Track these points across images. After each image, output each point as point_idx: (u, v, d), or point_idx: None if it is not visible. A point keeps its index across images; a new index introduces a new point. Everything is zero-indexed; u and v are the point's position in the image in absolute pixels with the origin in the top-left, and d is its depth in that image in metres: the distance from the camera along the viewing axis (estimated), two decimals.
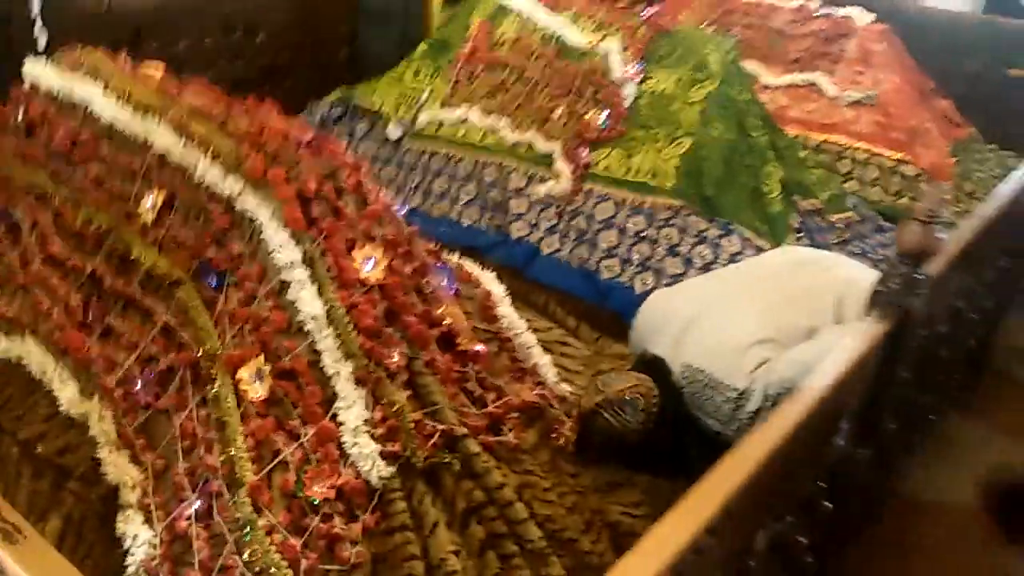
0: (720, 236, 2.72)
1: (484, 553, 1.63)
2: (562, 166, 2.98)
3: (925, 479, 2.46)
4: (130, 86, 2.03)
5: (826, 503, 1.58)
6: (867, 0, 4.44)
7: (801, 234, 2.90)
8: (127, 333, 1.77)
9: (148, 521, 1.54)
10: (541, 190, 2.98)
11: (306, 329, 1.65)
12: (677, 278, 2.69)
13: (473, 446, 1.70)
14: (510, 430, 1.82)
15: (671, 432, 1.95)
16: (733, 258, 2.66)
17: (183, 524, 1.51)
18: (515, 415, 1.85)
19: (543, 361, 2.01)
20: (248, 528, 1.47)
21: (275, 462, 1.53)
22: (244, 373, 1.62)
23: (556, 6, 3.33)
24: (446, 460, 1.66)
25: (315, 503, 1.51)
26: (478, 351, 1.87)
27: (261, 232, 1.71)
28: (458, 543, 1.61)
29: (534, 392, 1.91)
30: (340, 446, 1.57)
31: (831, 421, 1.43)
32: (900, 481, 2.37)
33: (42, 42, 2.91)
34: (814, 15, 4.22)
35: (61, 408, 1.75)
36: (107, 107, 2.00)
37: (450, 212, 3.12)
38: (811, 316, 1.94)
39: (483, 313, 2.01)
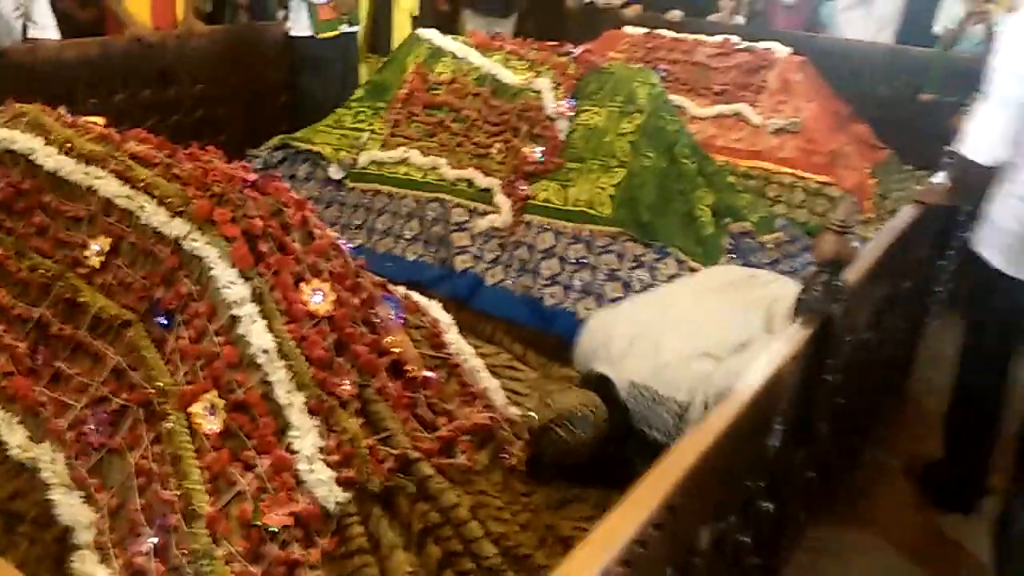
0: (657, 260, 2.82)
1: (441, 572, 1.67)
2: (502, 200, 3.07)
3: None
4: (72, 136, 2.06)
5: (766, 503, 1.66)
6: (784, 34, 4.70)
7: (734, 255, 3.03)
8: (77, 376, 1.78)
9: (104, 560, 1.54)
10: (483, 223, 3.06)
11: (258, 362, 1.69)
12: (617, 302, 2.77)
13: (427, 469, 1.74)
14: (462, 452, 1.87)
15: (620, 446, 2.02)
16: (670, 280, 2.76)
17: (140, 560, 1.52)
18: (466, 438, 1.90)
19: (492, 385, 2.07)
20: (207, 559, 1.49)
21: (232, 493, 1.55)
22: (197, 408, 1.65)
23: (488, 48, 3.45)
24: (401, 484, 1.70)
25: (273, 531, 1.53)
26: (428, 377, 1.93)
27: (210, 270, 1.75)
28: (415, 563, 1.65)
29: (484, 415, 1.97)
30: (296, 474, 1.61)
31: (764, 422, 1.51)
32: (840, 483, 2.48)
33: None
34: (736, 49, 4.43)
35: (10, 453, 1.75)
36: (49, 157, 2.02)
37: (394, 248, 3.17)
38: (745, 329, 2.04)
39: (431, 341, 2.07)
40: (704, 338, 2.05)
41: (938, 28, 4.71)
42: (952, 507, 2.54)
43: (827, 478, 2.24)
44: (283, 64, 4.26)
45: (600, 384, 2.10)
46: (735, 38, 4.48)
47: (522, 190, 3.07)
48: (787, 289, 2.11)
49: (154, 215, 1.84)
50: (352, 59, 4.43)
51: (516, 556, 1.76)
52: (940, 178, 2.56)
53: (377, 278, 2.09)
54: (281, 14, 4.32)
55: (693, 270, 2.80)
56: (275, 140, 3.65)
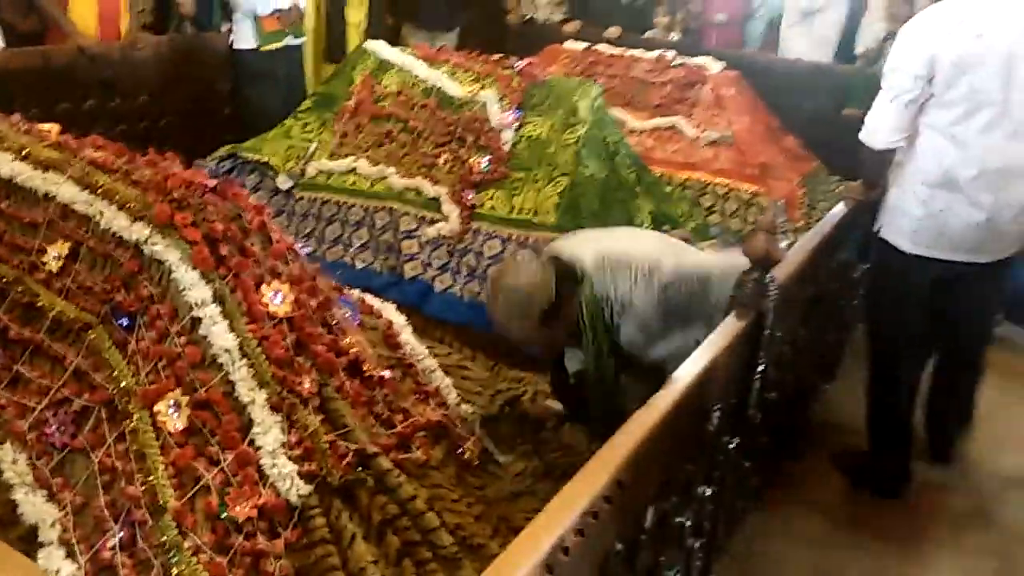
0: None
1: (400, 561, 1.74)
2: (450, 208, 3.16)
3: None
4: (28, 143, 2.08)
5: (704, 487, 1.78)
6: (717, 51, 4.90)
7: None
8: (37, 379, 1.81)
9: (71, 555, 1.58)
10: (431, 231, 3.14)
11: (220, 362, 1.74)
12: None
13: (385, 463, 1.82)
14: (418, 448, 1.95)
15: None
16: None
17: (107, 554, 1.56)
18: (422, 434, 1.98)
19: (445, 384, 2.16)
20: (174, 551, 1.54)
21: (197, 487, 1.61)
22: (161, 406, 1.69)
23: (434, 60, 3.55)
24: (360, 477, 1.77)
25: (238, 523, 1.59)
26: (384, 376, 2.00)
27: (171, 273, 1.79)
28: (376, 553, 1.72)
29: (438, 412, 2.05)
30: (259, 469, 1.66)
31: (702, 408, 1.63)
32: (778, 473, 2.63)
33: None
34: (671, 65, 4.61)
35: None
36: (5, 163, 2.04)
37: (344, 256, 3.24)
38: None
39: (386, 341, 2.14)
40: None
41: (860, 48, 4.98)
42: (882, 494, 2.72)
43: (764, 468, 2.38)
44: (227, 76, 4.28)
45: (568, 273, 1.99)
46: (670, 54, 4.66)
47: (469, 199, 3.17)
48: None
49: (114, 220, 1.87)
50: (297, 71, 4.47)
51: (471, 545, 1.84)
52: None
53: (333, 281, 2.15)
54: (226, 26, 4.34)
55: None
56: (223, 150, 3.67)
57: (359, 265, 3.23)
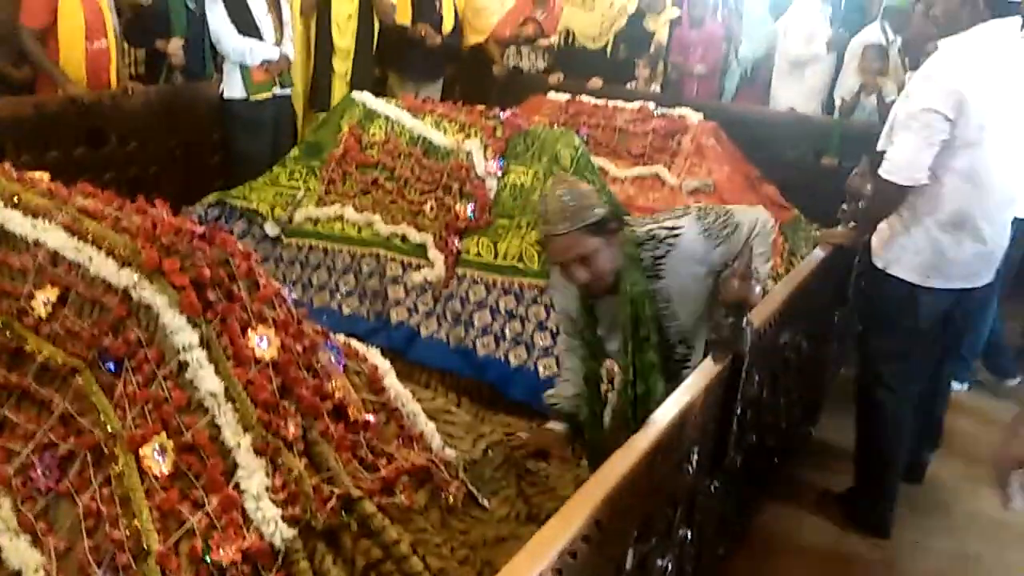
0: None
1: None
2: (435, 254, 3.21)
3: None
4: (19, 190, 2.11)
5: (684, 529, 1.80)
6: (697, 102, 5.02)
7: None
8: (24, 423, 1.82)
9: None
10: (417, 277, 3.19)
11: (206, 405, 1.76)
12: (547, 351, 2.94)
13: (369, 507, 1.83)
14: (402, 492, 1.96)
15: None
16: None
17: None
18: (406, 478, 1.99)
19: (428, 428, 2.17)
20: None
21: (182, 530, 1.61)
22: (147, 450, 1.71)
23: (420, 110, 3.63)
24: (344, 521, 1.78)
25: (222, 566, 1.59)
26: (368, 420, 2.02)
27: (159, 318, 1.82)
28: None
29: (422, 457, 2.06)
30: (244, 512, 1.67)
31: (681, 449, 1.66)
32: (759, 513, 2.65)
33: None
34: (653, 115, 4.72)
35: None
36: None
37: (330, 302, 3.27)
38: None
39: (371, 386, 2.16)
40: None
41: (838, 100, 5.13)
42: (874, 531, 2.79)
43: (746, 510, 2.40)
44: (217, 125, 4.35)
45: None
46: (651, 105, 4.77)
47: (454, 245, 3.22)
48: None
49: (102, 265, 1.90)
50: (285, 120, 4.55)
51: None
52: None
53: (318, 326, 2.18)
54: (216, 76, 4.42)
55: None
56: (211, 197, 3.72)
57: (346, 311, 3.26)
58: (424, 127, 3.54)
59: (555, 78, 5.74)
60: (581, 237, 2.00)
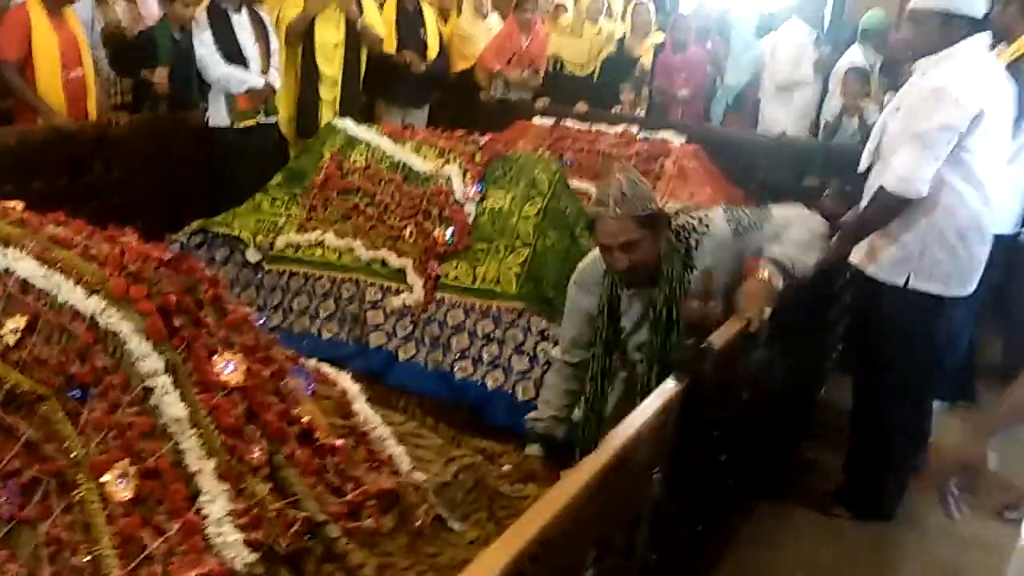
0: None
1: None
2: (414, 279, 3.23)
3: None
4: None
5: (647, 551, 1.81)
6: (681, 124, 5.07)
7: None
8: None
9: None
10: (396, 302, 3.21)
11: (169, 431, 1.77)
12: (525, 374, 2.95)
13: (334, 531, 1.83)
14: (369, 516, 1.96)
15: None
16: None
17: None
18: (373, 502, 1.99)
19: (397, 451, 2.18)
20: None
21: (141, 556, 1.62)
22: (109, 476, 1.71)
23: (400, 137, 3.67)
24: (307, 545, 1.79)
25: None
26: (336, 445, 2.03)
27: (124, 344, 1.84)
28: None
29: (390, 480, 2.07)
30: (205, 537, 1.68)
31: (639, 471, 1.67)
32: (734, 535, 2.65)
33: None
34: (636, 138, 4.77)
35: None
36: None
37: (310, 328, 3.28)
38: None
39: (340, 410, 2.18)
40: None
41: (823, 122, 5.18)
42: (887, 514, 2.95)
43: (719, 533, 2.40)
44: (202, 153, 4.39)
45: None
46: (634, 128, 4.82)
47: (433, 269, 3.24)
48: None
49: (71, 293, 1.92)
50: (272, 148, 4.58)
51: None
52: None
53: (288, 351, 2.20)
54: (202, 104, 4.47)
55: None
56: (194, 225, 3.74)
57: (325, 335, 3.28)
58: (404, 153, 3.58)
59: (542, 103, 5.80)
60: (631, 225, 2.15)
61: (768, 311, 2.10)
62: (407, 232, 3.38)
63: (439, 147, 3.58)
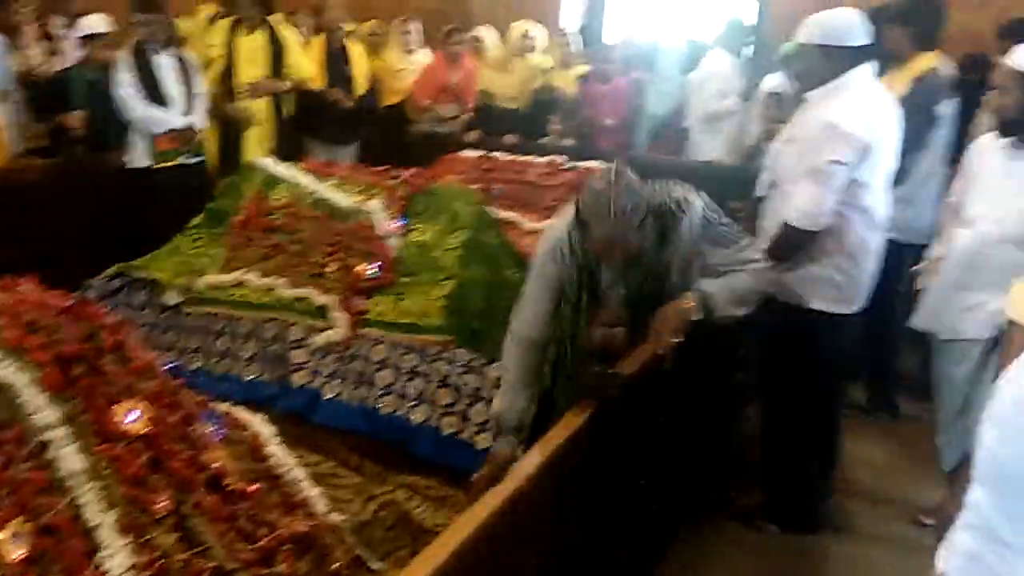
0: (484, 364, 2.99)
1: None
2: (338, 315, 3.20)
3: None
4: None
5: None
6: (608, 152, 5.13)
7: None
8: None
9: None
10: (320, 339, 3.17)
11: (67, 485, 1.71)
12: (450, 407, 2.94)
13: None
14: (282, 561, 1.92)
15: None
16: (496, 383, 2.93)
17: None
18: (287, 547, 1.95)
19: (313, 493, 2.14)
20: None
21: None
22: (2, 535, 1.65)
23: (323, 173, 3.65)
24: None
25: None
26: (247, 490, 1.98)
27: (19, 397, 1.78)
28: None
29: (305, 523, 2.03)
30: None
31: (547, 501, 1.66)
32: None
33: None
34: (562, 168, 4.81)
35: None
36: None
37: (233, 369, 3.23)
38: None
39: (253, 454, 2.13)
40: None
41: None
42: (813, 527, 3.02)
43: (641, 557, 2.40)
44: (122, 196, 4.31)
45: None
46: (561, 158, 4.86)
47: (357, 305, 3.21)
48: None
49: None
50: (195, 189, 4.52)
51: None
52: None
53: (198, 396, 2.15)
54: (120, 146, 4.39)
55: None
56: (112, 269, 3.66)
57: (248, 376, 3.22)
58: (327, 189, 3.56)
59: (472, 136, 5.83)
60: (632, 234, 2.22)
61: (677, 338, 2.12)
62: (330, 269, 3.35)
63: (362, 183, 3.58)
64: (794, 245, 2.78)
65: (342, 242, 3.40)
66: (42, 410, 1.77)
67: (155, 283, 3.52)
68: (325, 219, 3.48)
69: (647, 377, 2.07)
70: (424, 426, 2.90)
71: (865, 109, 2.70)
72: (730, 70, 5.47)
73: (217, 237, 3.62)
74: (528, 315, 2.43)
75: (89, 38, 4.41)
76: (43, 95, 4.43)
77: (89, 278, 3.70)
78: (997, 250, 2.63)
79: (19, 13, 4.57)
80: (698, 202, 2.38)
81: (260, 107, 4.88)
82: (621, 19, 7.29)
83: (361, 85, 5.53)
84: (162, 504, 1.79)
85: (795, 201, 2.72)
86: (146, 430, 1.86)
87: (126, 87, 4.22)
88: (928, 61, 3.52)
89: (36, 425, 1.76)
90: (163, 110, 4.29)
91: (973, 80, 4.32)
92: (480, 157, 5.04)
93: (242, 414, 2.30)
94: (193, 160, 4.45)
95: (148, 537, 1.74)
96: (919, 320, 2.92)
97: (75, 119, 4.32)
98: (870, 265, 2.85)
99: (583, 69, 5.83)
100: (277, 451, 2.18)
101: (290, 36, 5.04)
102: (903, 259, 3.44)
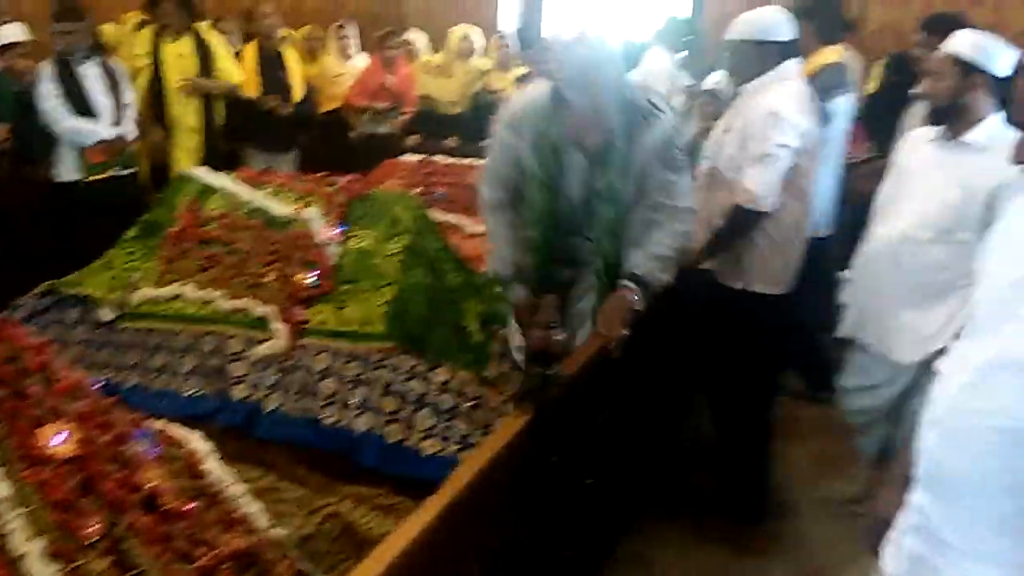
0: (429, 370, 2.97)
1: None
2: (278, 326, 3.14)
3: None
4: None
5: None
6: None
7: (504, 358, 3.23)
8: None
9: None
10: (260, 351, 3.11)
11: None
12: (394, 414, 2.90)
13: None
14: None
15: None
16: (442, 387, 2.92)
17: None
18: (228, 565, 1.91)
19: (254, 509, 2.10)
20: None
21: None
22: None
23: (258, 182, 3.59)
24: None
25: None
26: (184, 508, 1.94)
27: None
28: None
29: (245, 540, 1.99)
30: None
31: (488, 508, 1.65)
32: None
33: None
34: None
35: None
36: None
37: (171, 384, 3.15)
38: None
39: (189, 471, 2.09)
40: None
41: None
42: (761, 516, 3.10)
43: (590, 556, 2.41)
44: (50, 210, 4.18)
45: None
46: None
47: (298, 315, 3.16)
48: None
49: None
50: (127, 202, 4.41)
51: None
52: None
53: (131, 414, 2.10)
54: (48, 159, 4.27)
55: (463, 377, 2.98)
56: (42, 287, 3.55)
57: (187, 392, 3.14)
58: (262, 198, 3.50)
59: (413, 140, 5.81)
60: (611, 109, 2.25)
61: (625, 331, 2.15)
62: (269, 279, 3.29)
63: (298, 191, 3.53)
64: (743, 227, 2.92)
65: (280, 251, 3.35)
66: None
67: (88, 299, 3.43)
68: (261, 228, 3.42)
69: (588, 376, 2.08)
70: (369, 435, 2.86)
71: (801, 98, 2.89)
72: (671, 68, 5.53)
73: (152, 250, 3.54)
74: (491, 180, 2.67)
75: (6, 48, 4.28)
76: None
77: (18, 296, 3.59)
78: (921, 250, 2.66)
79: None
80: (671, 121, 2.47)
81: (191, 116, 4.79)
82: (558, 20, 7.33)
83: (298, 91, 5.46)
84: (94, 528, 1.74)
85: (744, 184, 2.86)
86: (75, 452, 1.81)
87: (51, 99, 4.11)
88: (830, 55, 3.67)
89: None
90: (91, 121, 4.18)
91: (901, 80, 4.44)
92: (421, 161, 5.03)
93: (178, 431, 2.25)
94: (125, 172, 4.35)
95: (79, 563, 1.69)
96: (846, 328, 2.98)
97: None
98: (800, 246, 2.99)
99: (521, 71, 5.84)
100: (215, 467, 2.14)
101: (217, 41, 4.96)
102: None
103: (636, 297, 2.35)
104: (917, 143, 2.81)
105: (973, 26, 2.89)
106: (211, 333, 3.20)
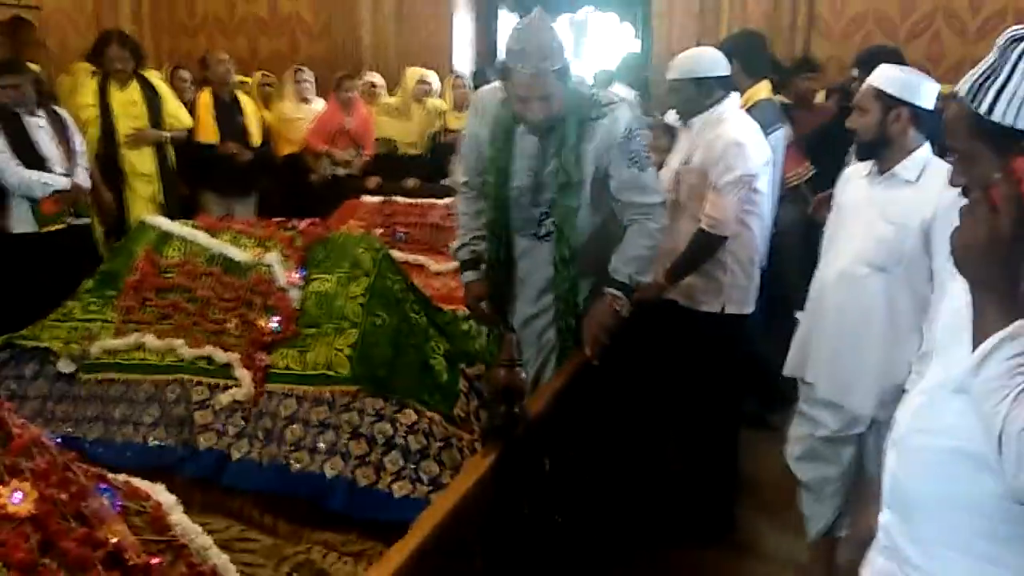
0: (396, 411, 2.96)
1: None
2: (242, 373, 3.11)
3: None
4: None
5: None
6: None
7: (470, 396, 3.23)
8: None
9: None
10: (224, 398, 3.07)
11: None
12: (363, 458, 2.88)
13: None
14: None
15: None
16: (411, 428, 2.91)
17: None
18: None
19: (222, 560, 2.07)
20: None
21: None
22: None
23: (216, 228, 3.58)
24: None
25: None
26: (150, 563, 1.90)
27: None
28: None
29: None
30: None
31: (457, 550, 1.65)
32: None
33: None
34: None
35: None
36: None
37: (134, 436, 3.09)
38: None
39: (154, 525, 2.04)
40: None
41: None
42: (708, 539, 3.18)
43: None
44: (5, 263, 4.12)
45: None
46: None
47: (261, 361, 3.14)
48: None
49: None
50: (85, 251, 4.37)
51: None
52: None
53: (93, 468, 2.05)
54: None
55: (431, 417, 2.97)
56: None
57: (152, 442, 3.08)
58: (221, 245, 3.48)
59: (373, 181, 5.83)
60: (551, 79, 2.35)
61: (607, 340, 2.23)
62: (231, 325, 3.27)
63: (257, 236, 3.51)
64: (706, 250, 3.12)
65: (241, 297, 3.33)
66: None
67: (46, 352, 3.36)
68: (221, 275, 3.40)
69: (556, 411, 2.09)
70: (338, 480, 2.83)
71: (756, 128, 3.13)
72: (633, 103, 5.65)
73: (110, 300, 3.49)
74: (461, 166, 2.90)
75: None
76: None
77: None
78: (858, 285, 2.60)
79: None
80: (627, 112, 2.52)
81: (146, 163, 4.77)
82: None
83: (256, 137, 5.47)
84: None
85: (707, 211, 3.06)
86: (33, 511, 1.77)
87: None
88: (759, 92, 3.83)
89: None
90: (42, 172, 4.13)
91: (839, 112, 4.56)
92: (382, 202, 5.05)
93: (141, 484, 2.21)
94: (79, 221, 4.30)
95: None
96: (790, 367, 2.85)
97: None
98: (758, 267, 3.24)
99: None
100: (180, 519, 2.10)
101: (163, 86, 4.97)
102: None
103: (620, 303, 2.47)
104: (852, 178, 2.81)
105: (906, 61, 3.04)
106: (174, 382, 3.16)
